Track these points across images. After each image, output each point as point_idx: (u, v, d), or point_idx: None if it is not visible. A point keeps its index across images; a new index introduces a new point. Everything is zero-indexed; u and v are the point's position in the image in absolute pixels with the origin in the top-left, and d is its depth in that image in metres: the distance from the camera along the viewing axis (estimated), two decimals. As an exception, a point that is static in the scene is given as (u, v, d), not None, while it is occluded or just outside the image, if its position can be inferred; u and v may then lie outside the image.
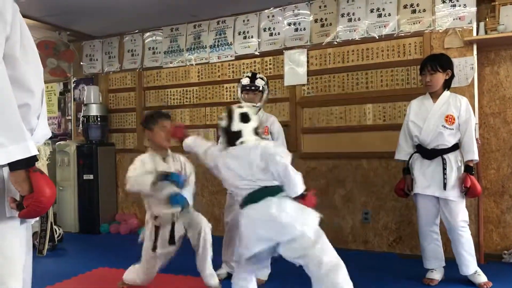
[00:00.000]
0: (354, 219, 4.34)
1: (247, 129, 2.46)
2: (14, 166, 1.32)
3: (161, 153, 3.01)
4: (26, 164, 1.34)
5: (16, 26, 1.43)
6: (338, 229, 4.40)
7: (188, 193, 2.92)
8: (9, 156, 1.30)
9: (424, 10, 3.98)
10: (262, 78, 3.51)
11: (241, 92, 3.47)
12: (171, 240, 2.89)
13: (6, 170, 1.36)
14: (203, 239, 2.95)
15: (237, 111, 2.49)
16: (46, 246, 4.25)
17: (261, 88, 3.46)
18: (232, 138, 2.47)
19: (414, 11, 4.02)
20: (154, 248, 2.90)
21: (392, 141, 3.57)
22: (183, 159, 3.10)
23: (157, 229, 2.91)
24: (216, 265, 3.43)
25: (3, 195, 1.40)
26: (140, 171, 2.88)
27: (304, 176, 4.59)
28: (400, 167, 3.50)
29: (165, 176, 2.80)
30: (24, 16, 1.51)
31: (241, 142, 2.44)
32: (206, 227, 2.98)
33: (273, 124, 3.50)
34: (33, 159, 1.35)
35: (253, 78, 3.47)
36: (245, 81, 3.46)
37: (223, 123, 2.51)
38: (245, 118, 2.48)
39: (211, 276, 3.01)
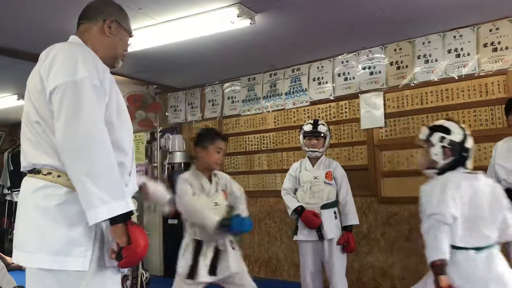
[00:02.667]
0: (441, 267, 4.10)
1: (472, 150, 2.12)
2: (114, 220, 1.47)
3: (205, 173, 2.88)
4: (124, 219, 1.49)
5: (113, 94, 1.63)
6: (423, 277, 4.18)
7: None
8: (111, 211, 1.45)
9: (507, 48, 3.83)
10: (324, 124, 3.56)
11: (304, 138, 3.52)
12: (212, 270, 2.66)
13: (104, 223, 1.52)
14: None
15: (463, 126, 2.17)
16: (138, 293, 4.45)
17: (323, 134, 3.50)
18: (464, 157, 2.11)
19: (495, 49, 3.88)
20: (191, 275, 2.65)
21: (478, 185, 3.40)
22: (228, 178, 2.94)
23: (197, 254, 2.69)
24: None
25: (102, 246, 1.55)
26: (188, 193, 2.77)
27: (385, 222, 4.50)
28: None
29: (226, 226, 2.59)
30: (115, 74, 1.71)
31: (469, 166, 2.09)
32: None
33: (337, 168, 3.51)
34: (130, 213, 1.50)
35: (315, 124, 3.52)
36: (308, 127, 3.52)
37: (456, 136, 2.13)
38: (471, 136, 2.16)
39: None
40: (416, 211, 4.23)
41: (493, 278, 1.95)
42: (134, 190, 1.78)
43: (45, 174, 1.53)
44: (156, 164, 6.40)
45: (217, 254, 2.72)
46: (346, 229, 3.40)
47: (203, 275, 2.67)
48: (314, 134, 3.50)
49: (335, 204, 3.44)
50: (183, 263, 2.76)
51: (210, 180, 2.88)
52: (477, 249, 1.98)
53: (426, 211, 2.12)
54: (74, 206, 1.49)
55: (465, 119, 4.04)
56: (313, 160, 3.55)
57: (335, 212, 3.42)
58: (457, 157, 2.08)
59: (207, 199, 2.80)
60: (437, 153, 2.12)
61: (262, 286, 2.97)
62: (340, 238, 3.36)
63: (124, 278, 4.59)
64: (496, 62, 3.87)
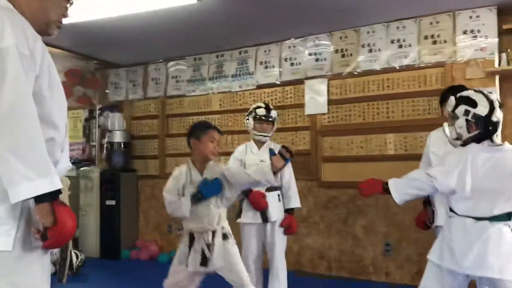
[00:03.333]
0: (375, 250, 4.28)
1: (501, 122, 2.03)
2: (40, 199, 1.37)
3: (201, 165, 2.84)
4: (51, 197, 1.39)
5: (44, 65, 1.51)
6: (359, 260, 4.35)
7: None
8: (36, 189, 1.35)
9: (445, 41, 4.00)
10: (273, 109, 3.58)
11: (254, 122, 3.51)
12: (203, 264, 2.71)
13: (32, 202, 1.42)
14: None
15: (494, 96, 2.06)
16: (66, 275, 4.29)
17: (274, 119, 3.52)
18: (491, 131, 2.01)
19: (435, 42, 4.05)
20: (186, 263, 2.73)
21: (414, 172, 3.55)
22: (225, 168, 2.90)
23: (190, 245, 2.75)
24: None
25: (29, 226, 1.45)
26: (173, 188, 2.77)
27: (325, 205, 4.61)
28: (422, 198, 3.45)
29: (197, 197, 2.67)
30: (53, 46, 1.59)
31: (498, 138, 2.04)
32: None
33: None
34: (58, 192, 1.41)
35: (268, 109, 3.52)
36: (261, 111, 3.50)
37: (481, 109, 2.01)
38: (501, 106, 2.05)
39: None
40: (354, 196, 4.39)
41: (483, 242, 1.99)
42: (67, 168, 1.68)
43: None
44: (94, 143, 6.16)
45: (208, 247, 2.74)
46: (288, 211, 3.45)
47: (192, 265, 2.73)
48: (267, 118, 3.49)
49: (279, 187, 3.47)
50: (180, 251, 2.82)
51: (202, 173, 2.82)
52: (479, 219, 2.01)
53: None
54: None
55: (404, 109, 4.20)
56: (259, 144, 3.55)
57: (278, 195, 3.45)
58: (482, 130, 2.00)
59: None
60: (461, 126, 2.05)
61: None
62: (282, 220, 3.41)
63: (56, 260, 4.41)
64: (435, 54, 4.04)
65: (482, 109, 2.00)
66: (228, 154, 5.06)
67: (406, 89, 4.20)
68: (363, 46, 4.37)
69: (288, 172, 3.51)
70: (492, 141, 2.01)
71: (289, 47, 4.78)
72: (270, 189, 3.41)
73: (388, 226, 4.21)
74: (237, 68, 5.09)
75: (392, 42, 4.23)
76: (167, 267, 2.92)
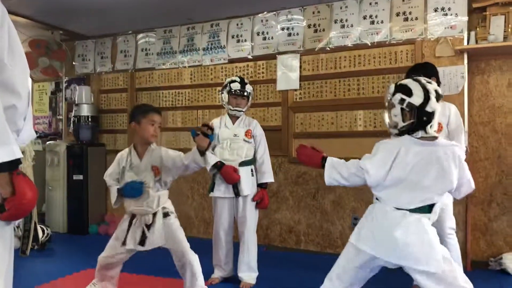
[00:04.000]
0: (343, 224, 4.36)
1: (438, 113, 2.00)
2: None
3: (142, 148, 2.87)
4: (9, 167, 1.34)
5: (4, 29, 1.43)
6: (327, 234, 4.42)
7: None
8: None
9: (416, 18, 4.02)
10: (248, 83, 3.55)
11: (229, 96, 3.48)
12: (141, 242, 2.79)
13: None
14: (191, 273, 2.80)
15: (431, 86, 2.01)
16: (30, 247, 4.23)
17: (249, 94, 3.50)
18: (423, 122, 1.98)
19: (406, 19, 4.06)
20: (123, 243, 2.80)
21: (382, 148, 3.60)
22: (164, 151, 2.87)
23: (131, 223, 2.82)
24: (208, 269, 3.45)
25: None
26: (114, 172, 2.90)
27: (295, 181, 4.64)
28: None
29: (121, 193, 2.80)
30: (15, 14, 1.52)
31: (432, 129, 1.99)
32: (193, 261, 2.81)
33: (256, 127, 3.54)
34: (17, 162, 1.36)
35: (243, 83, 3.48)
36: (235, 85, 3.46)
37: (415, 99, 1.98)
38: (439, 96, 2.00)
39: None
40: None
41: (403, 231, 2.00)
42: (31, 137, 1.62)
43: None
44: (61, 117, 6.00)
45: (147, 228, 2.80)
46: (261, 186, 3.46)
47: (132, 244, 2.79)
48: (242, 93, 3.46)
49: (252, 161, 3.46)
50: (119, 229, 2.87)
51: (141, 157, 2.85)
52: (400, 209, 2.03)
53: (366, 156, 2.13)
54: None
55: (374, 85, 4.22)
56: (234, 118, 3.52)
57: (252, 170, 3.45)
58: (416, 120, 1.99)
59: (134, 176, 2.82)
60: (396, 114, 2.04)
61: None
62: (255, 194, 3.42)
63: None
64: (406, 31, 4.06)
65: (416, 99, 1.97)
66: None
67: (377, 65, 4.22)
68: (335, 21, 4.36)
69: (262, 147, 3.52)
70: (426, 132, 2.00)
71: (262, 21, 4.71)
72: (244, 163, 3.41)
73: (356, 201, 4.28)
74: (209, 41, 5.00)
75: (365, 18, 4.22)
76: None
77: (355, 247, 2.17)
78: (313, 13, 4.47)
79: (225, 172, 3.32)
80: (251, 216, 3.42)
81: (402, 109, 2.01)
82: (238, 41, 4.84)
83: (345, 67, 4.36)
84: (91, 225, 5.34)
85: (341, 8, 4.32)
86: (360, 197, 4.25)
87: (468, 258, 3.76)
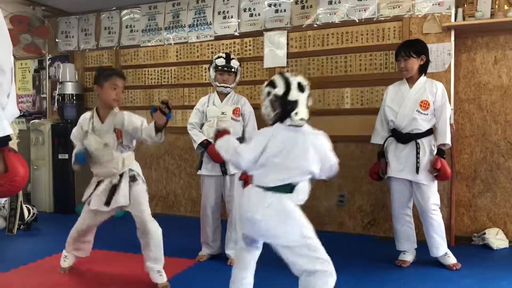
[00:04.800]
0: (330, 202, 4.39)
1: (302, 100, 2.18)
2: None
3: (104, 111, 2.91)
4: (0, 144, 1.31)
5: None
6: (315, 212, 4.46)
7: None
8: None
9: (404, -5, 3.99)
10: (235, 59, 3.51)
11: (215, 72, 3.45)
12: (107, 202, 2.85)
13: None
14: (154, 246, 2.85)
15: (294, 78, 2.21)
16: (16, 226, 4.22)
17: (235, 69, 3.45)
18: (287, 110, 2.17)
19: (394, -5, 4.03)
20: (89, 202, 2.91)
21: (369, 125, 3.61)
22: (125, 115, 2.89)
23: (98, 184, 2.91)
24: (195, 246, 3.48)
25: None
26: (78, 134, 2.98)
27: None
28: (376, 151, 3.54)
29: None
30: None
31: (298, 116, 2.16)
32: (153, 232, 2.84)
33: (245, 105, 3.51)
34: (7, 138, 1.34)
35: (228, 58, 3.44)
36: (220, 61, 3.43)
37: (278, 90, 2.17)
38: (301, 87, 2.20)
39: (159, 274, 2.88)
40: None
41: (266, 208, 2.15)
42: (15, 114, 1.59)
43: None
44: (45, 95, 5.90)
45: (113, 189, 2.86)
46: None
47: (96, 204, 2.88)
48: (227, 69, 3.41)
49: (241, 140, 3.43)
50: (86, 192, 2.99)
51: (104, 120, 2.90)
52: (265, 188, 2.17)
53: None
54: None
55: (362, 63, 4.21)
56: (222, 96, 3.49)
57: None
58: (281, 109, 2.18)
59: (97, 139, 2.88)
60: (267, 106, 2.24)
61: (160, 220, 2.97)
62: (241, 173, 3.40)
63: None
64: (393, 8, 4.03)
65: (279, 90, 2.17)
66: (185, 108, 5.01)
67: (364, 43, 4.19)
68: (323, -3, 4.31)
69: (251, 125, 3.49)
70: (291, 119, 2.17)
71: (248, -3, 4.64)
72: None
73: (343, 178, 4.31)
74: (194, 18, 4.92)
75: (352, -6, 4.18)
76: (121, 221, 2.92)
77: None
78: (301, -11, 4.41)
79: (211, 151, 3.30)
80: (238, 195, 3.42)
81: (270, 100, 2.21)
82: (224, 17, 4.77)
83: (333, 44, 4.33)
84: (77, 205, 5.31)
85: (328, -17, 4.27)
86: (347, 174, 4.27)
87: (452, 234, 3.82)
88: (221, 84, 3.43)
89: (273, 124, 2.26)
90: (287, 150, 2.17)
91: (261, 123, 3.94)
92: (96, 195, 2.88)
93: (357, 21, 4.18)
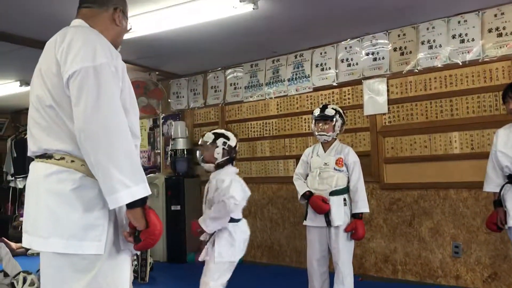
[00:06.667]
0: (444, 253, 4.13)
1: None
2: (133, 204, 1.49)
3: None
4: (142, 203, 1.51)
5: (125, 80, 1.65)
6: (426, 263, 4.21)
7: None
8: (133, 195, 1.47)
9: (511, 33, 3.79)
10: (334, 108, 3.51)
11: (314, 123, 3.52)
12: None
13: (117, 208, 1.54)
14: None
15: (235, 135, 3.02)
16: (148, 274, 4.55)
17: (332, 118, 3.46)
18: (233, 157, 3.00)
19: (500, 35, 3.85)
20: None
21: (482, 170, 3.38)
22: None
23: None
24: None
25: (117, 230, 1.58)
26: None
27: (388, 208, 4.52)
28: (491, 198, 3.30)
29: None
30: None
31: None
32: None
33: (349, 155, 3.43)
34: (147, 198, 1.53)
35: (323, 108, 3.50)
36: (316, 111, 3.51)
37: (232, 142, 2.95)
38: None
39: None
40: (419, 197, 4.26)
41: None
42: None
43: (57, 159, 1.53)
44: (159, 151, 6.42)
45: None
46: (355, 216, 3.36)
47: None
48: (322, 117, 3.47)
49: (345, 190, 3.39)
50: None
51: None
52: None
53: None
54: (89, 191, 1.51)
55: (469, 105, 4.03)
56: (325, 145, 3.51)
57: (344, 199, 3.38)
58: (230, 156, 2.94)
59: None
60: (219, 152, 2.90)
61: (265, 271, 3.00)
62: (348, 225, 3.34)
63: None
64: (500, 47, 3.84)
65: (232, 141, 2.96)
66: (286, 158, 5.14)
67: (470, 85, 4.02)
68: (422, 43, 4.25)
69: (356, 175, 3.41)
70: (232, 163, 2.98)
71: (345, 48, 4.73)
72: (335, 192, 3.36)
73: (456, 228, 4.05)
74: (293, 72, 5.11)
75: (454, 37, 4.07)
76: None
77: None
78: (399, 36, 4.40)
79: (313, 202, 3.31)
80: (344, 247, 3.34)
81: (223, 149, 2.91)
82: (322, 69, 4.90)
83: (436, 88, 4.21)
84: (188, 253, 5.58)
85: (427, 29, 4.21)
86: (460, 223, 4.01)
87: None
88: (319, 133, 3.48)
89: (217, 168, 2.90)
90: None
91: (366, 171, 3.91)
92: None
93: (461, 63, 4.04)
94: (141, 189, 1.48)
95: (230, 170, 2.95)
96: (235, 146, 2.97)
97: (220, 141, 2.92)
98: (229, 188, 2.76)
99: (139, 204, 1.49)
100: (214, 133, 2.98)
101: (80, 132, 1.46)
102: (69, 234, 1.49)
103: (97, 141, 1.45)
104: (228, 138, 2.94)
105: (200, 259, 2.96)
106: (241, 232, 2.89)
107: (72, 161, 1.53)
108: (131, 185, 1.46)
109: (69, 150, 1.53)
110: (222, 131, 3.02)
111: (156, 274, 4.87)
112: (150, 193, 1.53)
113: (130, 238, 1.54)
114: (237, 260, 2.88)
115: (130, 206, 1.49)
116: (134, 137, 1.63)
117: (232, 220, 2.82)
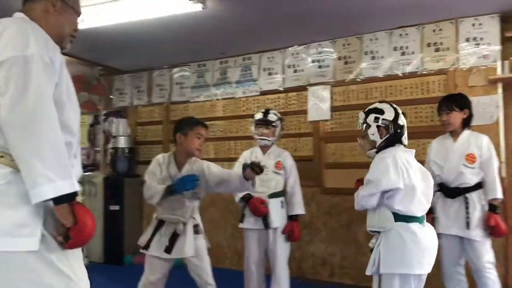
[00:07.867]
0: (378, 257, 4.26)
1: (405, 127, 2.37)
2: (59, 200, 1.43)
3: (182, 159, 2.91)
4: (69, 199, 1.45)
5: (63, 74, 1.59)
6: (362, 267, 4.34)
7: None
8: (56, 190, 1.41)
9: (448, 49, 4.01)
10: (275, 114, 3.58)
11: (255, 127, 3.55)
12: (168, 249, 2.80)
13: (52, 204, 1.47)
14: None
15: (396, 106, 2.37)
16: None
17: (273, 123, 3.52)
18: (398, 134, 2.30)
19: (437, 49, 4.06)
20: (146, 246, 2.84)
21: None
22: (206, 165, 2.92)
23: (155, 231, 2.86)
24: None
25: (53, 225, 1.51)
26: (156, 174, 2.87)
27: (328, 212, 4.61)
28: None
29: (171, 190, 2.74)
30: (62, 53, 1.66)
31: (405, 142, 2.34)
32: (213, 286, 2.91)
33: (286, 158, 3.55)
34: (76, 194, 1.46)
35: (266, 113, 3.55)
36: (258, 116, 3.55)
37: (388, 115, 2.30)
38: (403, 113, 2.39)
39: None
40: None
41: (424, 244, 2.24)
42: (79, 174, 1.73)
43: None
44: (98, 149, 6.21)
45: (175, 236, 2.83)
46: (291, 218, 3.44)
47: (154, 250, 2.83)
48: (264, 122, 3.51)
49: (282, 193, 3.47)
50: (143, 236, 2.93)
51: (181, 169, 2.89)
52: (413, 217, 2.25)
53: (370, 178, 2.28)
54: (19, 187, 1.45)
55: (407, 116, 4.18)
56: (264, 149, 3.56)
57: (282, 202, 3.45)
58: (392, 133, 2.27)
59: None
60: (373, 133, 2.29)
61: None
62: (285, 227, 3.41)
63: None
64: (437, 61, 4.05)
65: (389, 114, 2.28)
66: (231, 160, 5.12)
67: (409, 96, 4.21)
68: (366, 53, 4.40)
69: (293, 178, 3.51)
70: (402, 143, 2.30)
71: (292, 54, 4.81)
72: (273, 195, 3.42)
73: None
74: (241, 74, 5.12)
75: (395, 49, 4.25)
76: (170, 272, 2.95)
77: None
78: (343, 45, 4.53)
79: (252, 205, 3.34)
80: (281, 249, 3.40)
81: (377, 126, 2.28)
82: (269, 73, 4.94)
83: (377, 98, 4.35)
84: (126, 255, 5.43)
85: (371, 40, 4.37)
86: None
87: (510, 294, 3.61)
88: (260, 137, 3.52)
89: (378, 151, 2.31)
90: (414, 173, 2.23)
91: (303, 175, 3.96)
92: (155, 241, 2.85)
93: (401, 75, 4.22)
94: (67, 185, 1.43)
95: None
96: None
97: None
98: None
99: (66, 200, 1.44)
100: None
101: (4, 122, 1.40)
102: (2, 231, 1.43)
103: (21, 132, 1.39)
104: None
105: None
106: None
107: (1, 156, 1.47)
108: (56, 179, 1.40)
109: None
110: None
111: (91, 275, 4.68)
112: (78, 189, 1.47)
113: (59, 237, 1.48)
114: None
115: (56, 202, 1.43)
116: (70, 132, 1.58)
117: None
